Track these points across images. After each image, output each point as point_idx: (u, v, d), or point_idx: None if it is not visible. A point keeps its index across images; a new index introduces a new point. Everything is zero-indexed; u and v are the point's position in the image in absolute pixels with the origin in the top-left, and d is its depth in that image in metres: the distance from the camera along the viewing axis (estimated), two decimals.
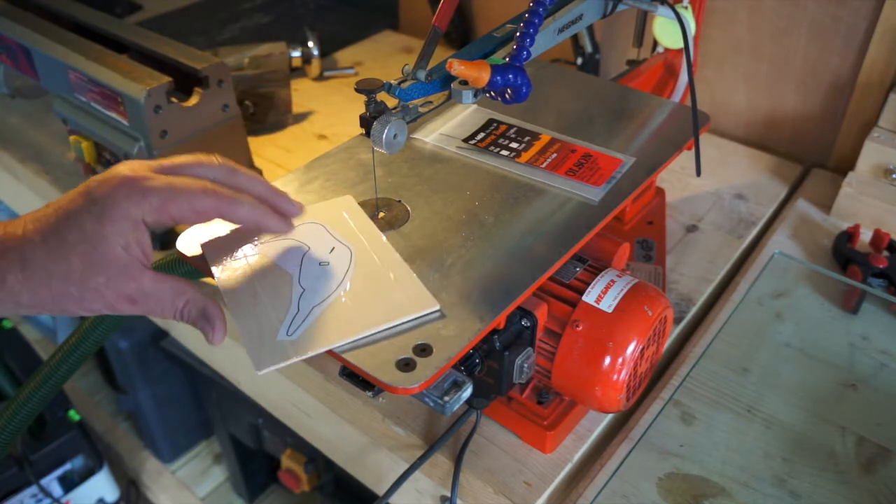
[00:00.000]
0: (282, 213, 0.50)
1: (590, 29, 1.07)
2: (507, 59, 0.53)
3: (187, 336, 0.95)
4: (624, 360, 0.54)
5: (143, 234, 0.45)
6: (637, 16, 0.84)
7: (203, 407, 1.49)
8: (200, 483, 1.52)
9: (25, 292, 0.44)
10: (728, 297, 0.78)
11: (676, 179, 0.96)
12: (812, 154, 1.02)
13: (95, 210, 0.43)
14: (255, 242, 0.54)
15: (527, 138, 0.67)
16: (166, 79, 0.76)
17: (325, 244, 0.54)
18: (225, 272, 0.52)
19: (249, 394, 0.90)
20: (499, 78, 0.52)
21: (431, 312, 0.49)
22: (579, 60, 1.09)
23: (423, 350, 0.46)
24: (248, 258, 0.53)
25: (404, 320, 0.48)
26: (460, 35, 1.29)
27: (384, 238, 0.55)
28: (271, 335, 0.47)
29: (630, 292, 0.56)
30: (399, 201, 0.60)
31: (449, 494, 0.61)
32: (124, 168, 0.45)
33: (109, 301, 0.45)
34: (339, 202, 0.59)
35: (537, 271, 0.52)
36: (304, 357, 0.46)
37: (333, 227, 0.56)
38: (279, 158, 1.02)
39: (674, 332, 0.75)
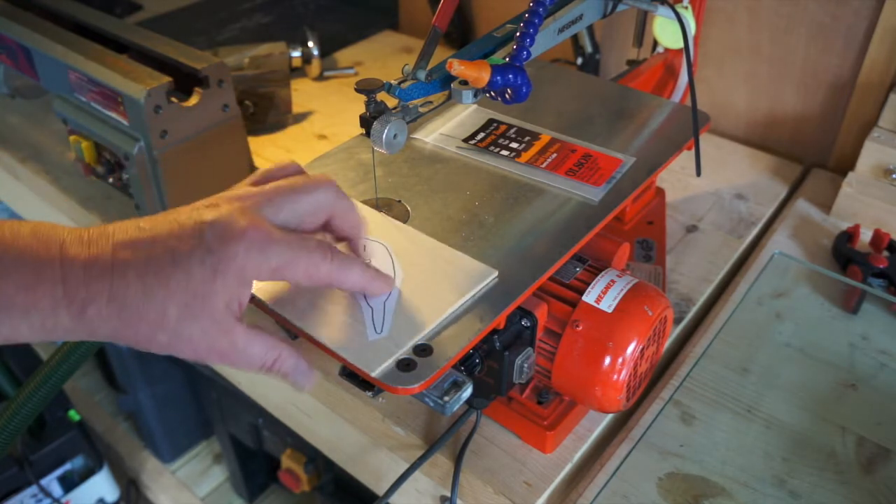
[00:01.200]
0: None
1: (590, 29, 1.07)
2: (507, 59, 0.53)
3: None
4: (624, 360, 0.54)
5: (247, 291, 0.42)
6: (637, 16, 0.84)
7: (203, 407, 1.49)
8: (200, 483, 1.52)
9: (106, 327, 0.40)
10: (728, 297, 0.78)
11: (676, 179, 0.96)
12: (812, 154, 1.02)
13: (210, 262, 0.40)
14: None
15: (527, 138, 0.67)
16: (166, 79, 0.76)
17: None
18: (265, 293, 0.50)
19: (249, 394, 0.90)
20: (499, 78, 0.52)
21: (493, 279, 0.51)
22: (579, 60, 1.09)
23: (423, 350, 0.46)
24: None
25: (473, 293, 0.50)
26: (460, 35, 1.29)
27: (405, 225, 0.56)
28: (360, 338, 0.47)
29: (630, 292, 0.56)
30: (399, 201, 0.60)
31: (449, 494, 0.61)
32: (243, 218, 0.41)
33: (199, 352, 0.42)
34: None
35: (537, 271, 0.52)
36: (407, 347, 0.46)
37: None
38: (279, 158, 1.01)
39: (674, 332, 0.75)
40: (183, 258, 0.40)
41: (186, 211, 0.42)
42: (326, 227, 0.48)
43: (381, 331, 0.47)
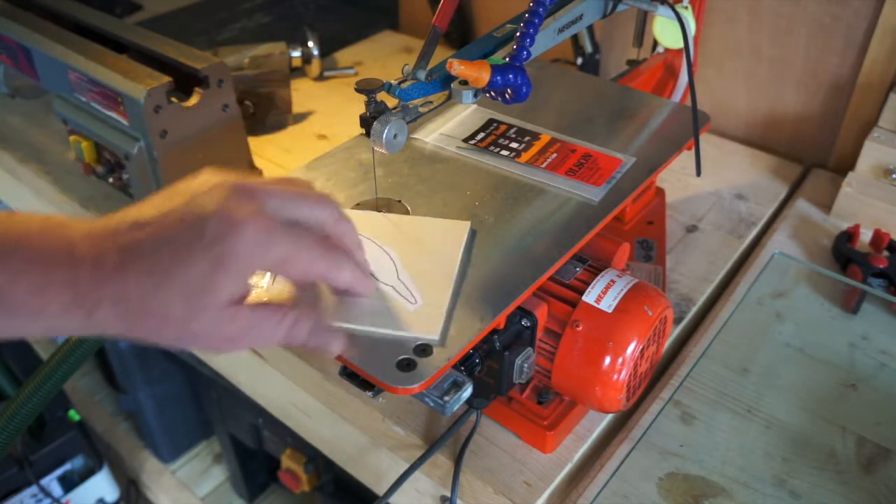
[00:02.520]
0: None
1: (590, 29, 1.07)
2: (507, 59, 0.53)
3: None
4: (624, 360, 0.54)
5: (249, 281, 0.42)
6: (637, 16, 0.84)
7: (203, 407, 1.49)
8: (200, 483, 1.52)
9: (115, 326, 0.40)
10: (728, 297, 0.78)
11: (676, 179, 0.96)
12: (812, 154, 1.02)
13: (213, 255, 0.39)
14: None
15: (527, 138, 0.67)
16: (166, 79, 0.76)
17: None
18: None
19: (249, 394, 0.90)
20: (499, 78, 0.52)
21: (469, 228, 0.54)
22: (579, 60, 1.09)
23: (423, 350, 0.46)
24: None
25: (463, 246, 0.54)
26: (460, 35, 1.29)
27: (375, 212, 0.58)
28: (406, 313, 0.48)
29: (630, 292, 0.56)
30: (399, 201, 0.60)
31: (449, 494, 0.61)
32: (244, 209, 0.41)
33: (210, 342, 0.42)
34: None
35: (537, 271, 0.52)
36: (448, 306, 0.49)
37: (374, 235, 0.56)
38: (279, 158, 1.02)
39: (674, 332, 0.75)
40: (184, 253, 0.40)
41: (185, 199, 0.41)
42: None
43: (416, 301, 0.49)
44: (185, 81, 0.80)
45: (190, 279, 0.40)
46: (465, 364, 0.54)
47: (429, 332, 0.47)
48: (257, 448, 1.28)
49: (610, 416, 0.67)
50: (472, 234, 0.56)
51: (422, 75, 0.54)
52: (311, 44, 1.17)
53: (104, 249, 0.39)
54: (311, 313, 0.45)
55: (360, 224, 0.55)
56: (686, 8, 0.73)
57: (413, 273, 0.52)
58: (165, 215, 0.41)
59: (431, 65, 0.55)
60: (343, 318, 0.48)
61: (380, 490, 0.74)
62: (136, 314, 0.40)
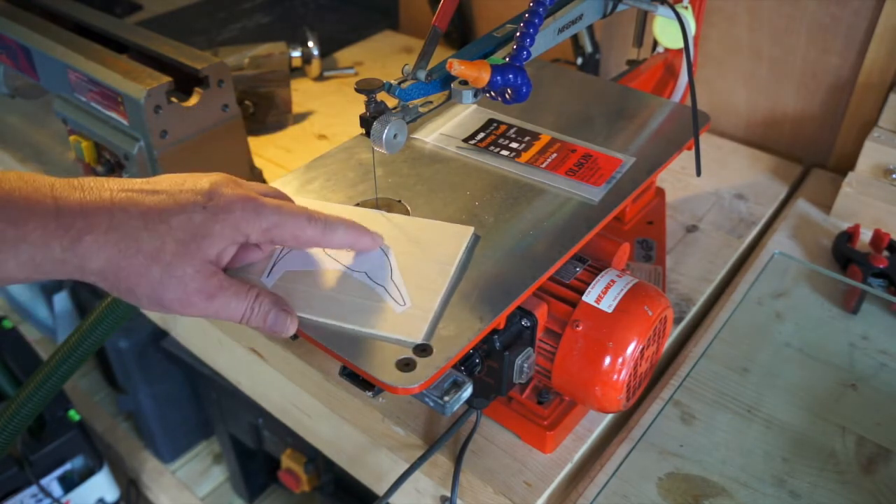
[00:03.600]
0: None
1: (590, 29, 1.07)
2: (507, 59, 0.53)
3: (187, 336, 0.95)
4: (624, 360, 0.54)
5: (233, 249, 0.46)
6: (637, 16, 0.84)
7: (203, 407, 1.49)
8: (200, 483, 1.52)
9: (101, 257, 0.41)
10: (728, 297, 0.78)
11: (676, 179, 0.96)
12: (812, 154, 1.02)
13: (212, 208, 0.43)
14: (269, 270, 0.52)
15: (527, 138, 0.67)
16: (166, 79, 0.76)
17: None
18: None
19: (249, 394, 0.90)
20: (499, 78, 0.52)
21: (472, 233, 0.54)
22: (579, 60, 1.09)
23: (423, 350, 0.46)
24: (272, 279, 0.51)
25: (462, 251, 0.53)
26: (460, 35, 1.29)
27: (377, 210, 0.57)
28: (391, 314, 0.48)
29: (630, 292, 0.56)
30: (399, 201, 0.60)
31: (449, 494, 0.61)
32: (236, 189, 0.45)
33: (187, 293, 0.43)
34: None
35: (537, 271, 0.52)
36: (436, 310, 0.49)
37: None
38: (279, 158, 1.02)
39: (674, 332, 0.75)
40: (185, 204, 0.43)
41: (182, 176, 0.46)
42: None
43: (405, 303, 0.49)
44: (185, 81, 0.80)
45: (189, 224, 0.43)
46: (465, 364, 0.54)
47: (411, 334, 0.47)
48: (257, 448, 1.28)
49: (610, 416, 0.67)
50: (476, 240, 0.55)
51: (422, 75, 0.54)
52: (311, 44, 1.17)
53: (94, 192, 0.42)
54: (272, 295, 0.48)
55: (361, 222, 0.56)
56: (686, 8, 0.73)
57: (407, 275, 0.51)
58: (163, 179, 0.45)
59: (431, 65, 0.55)
60: (328, 315, 0.48)
61: (380, 490, 0.74)
62: (129, 244, 0.41)
